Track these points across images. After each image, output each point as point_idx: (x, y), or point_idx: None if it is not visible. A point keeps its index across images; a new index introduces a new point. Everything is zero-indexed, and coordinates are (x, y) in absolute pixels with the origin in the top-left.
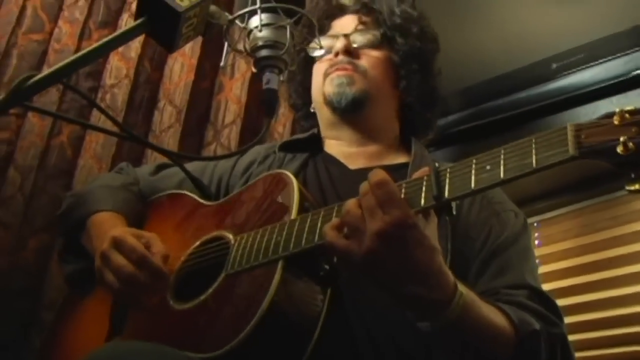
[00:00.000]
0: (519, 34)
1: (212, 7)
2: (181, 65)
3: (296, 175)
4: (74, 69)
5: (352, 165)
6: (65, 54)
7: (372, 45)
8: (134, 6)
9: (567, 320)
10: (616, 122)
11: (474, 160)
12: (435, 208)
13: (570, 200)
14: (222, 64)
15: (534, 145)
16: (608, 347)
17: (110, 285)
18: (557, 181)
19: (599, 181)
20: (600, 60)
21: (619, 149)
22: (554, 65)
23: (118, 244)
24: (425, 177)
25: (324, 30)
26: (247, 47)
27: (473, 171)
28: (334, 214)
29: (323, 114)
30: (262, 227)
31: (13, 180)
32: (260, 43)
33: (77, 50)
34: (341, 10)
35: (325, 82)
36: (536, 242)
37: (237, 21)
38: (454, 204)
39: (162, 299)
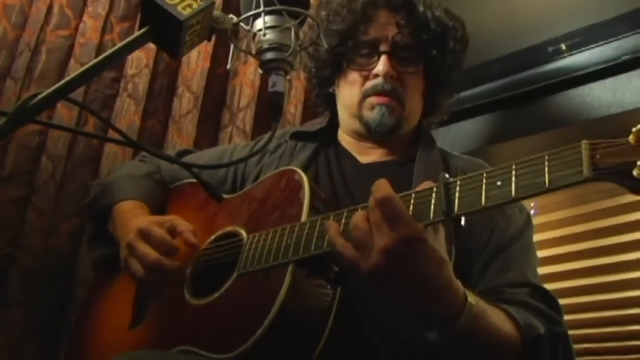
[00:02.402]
0: (515, 17)
1: (216, 12)
2: (198, 52)
3: (307, 166)
4: (80, 84)
5: (364, 159)
6: (90, 47)
7: (413, 72)
8: None
9: (559, 285)
10: (632, 142)
11: (485, 174)
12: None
13: None
14: (228, 66)
15: (546, 163)
16: (595, 311)
17: (135, 273)
18: None
19: None
20: (594, 45)
21: (636, 172)
22: (550, 49)
23: (145, 234)
24: (434, 189)
25: (365, 20)
26: (253, 49)
27: (484, 186)
28: (343, 220)
29: (351, 123)
30: (273, 228)
31: (45, 168)
32: (265, 46)
33: (100, 44)
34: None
35: (364, 104)
36: (532, 211)
37: (242, 24)
38: (463, 217)
39: (179, 293)
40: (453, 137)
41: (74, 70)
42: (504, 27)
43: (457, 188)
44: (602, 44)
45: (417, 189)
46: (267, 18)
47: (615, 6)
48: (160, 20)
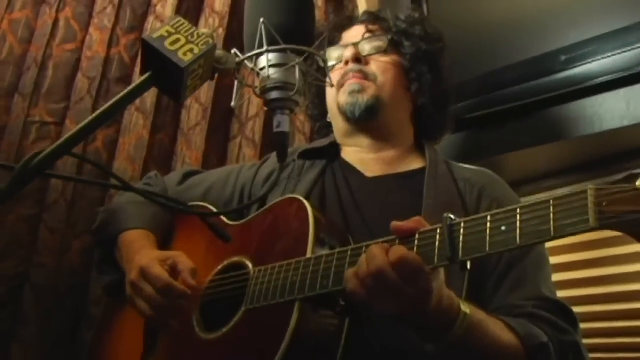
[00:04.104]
0: (527, 25)
1: (218, 52)
2: None
3: (314, 186)
4: (83, 137)
5: (369, 172)
6: (96, 61)
7: (380, 51)
8: (159, 8)
9: (568, 294)
10: None
11: (489, 218)
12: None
13: (573, 180)
14: (232, 104)
15: (552, 209)
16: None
17: (142, 313)
18: (562, 163)
19: (601, 164)
20: (609, 54)
21: None
22: (563, 57)
23: (145, 274)
24: (438, 231)
25: (334, 42)
26: (257, 87)
27: (488, 230)
28: (348, 259)
29: (338, 122)
30: (279, 262)
31: (56, 187)
32: (269, 85)
33: (107, 57)
34: (350, 22)
35: (339, 93)
36: None
37: (246, 62)
38: (469, 261)
39: (189, 325)
40: (463, 146)
41: (81, 84)
42: (515, 35)
43: (462, 231)
44: (616, 54)
45: (422, 229)
46: (271, 56)
47: (630, 15)
48: (162, 66)
